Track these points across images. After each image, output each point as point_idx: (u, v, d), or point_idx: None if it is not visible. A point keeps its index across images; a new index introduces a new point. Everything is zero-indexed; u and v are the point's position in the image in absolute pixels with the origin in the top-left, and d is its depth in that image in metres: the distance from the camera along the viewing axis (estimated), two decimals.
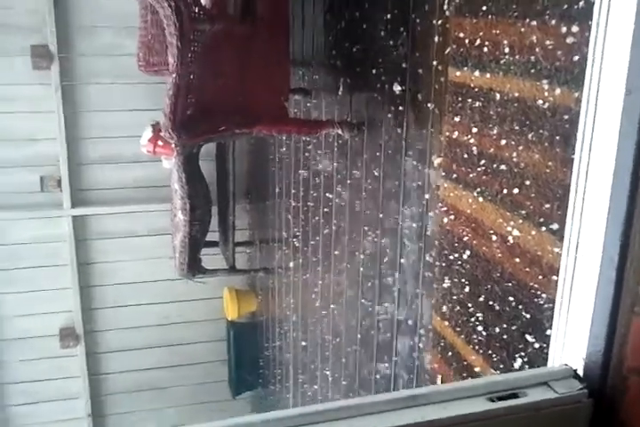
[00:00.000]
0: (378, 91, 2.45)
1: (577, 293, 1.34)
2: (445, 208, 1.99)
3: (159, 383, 5.27)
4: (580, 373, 1.30)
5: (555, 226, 1.51)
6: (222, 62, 2.53)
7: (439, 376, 2.11)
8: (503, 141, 1.68)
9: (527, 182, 1.60)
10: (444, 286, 2.01)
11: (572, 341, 1.36)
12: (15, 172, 4.61)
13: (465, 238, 1.89)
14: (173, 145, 2.69)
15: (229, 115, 2.59)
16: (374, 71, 2.46)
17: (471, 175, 1.83)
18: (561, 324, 1.39)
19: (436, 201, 2.05)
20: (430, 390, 1.32)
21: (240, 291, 4.85)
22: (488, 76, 1.72)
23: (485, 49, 1.72)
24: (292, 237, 3.67)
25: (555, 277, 1.50)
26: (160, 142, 3.67)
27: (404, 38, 2.23)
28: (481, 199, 1.79)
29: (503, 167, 1.69)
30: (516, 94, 1.62)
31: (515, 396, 1.26)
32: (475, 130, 1.80)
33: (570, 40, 1.42)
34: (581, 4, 1.38)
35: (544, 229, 1.55)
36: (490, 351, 1.81)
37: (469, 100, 1.81)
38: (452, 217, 1.95)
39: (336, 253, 3.03)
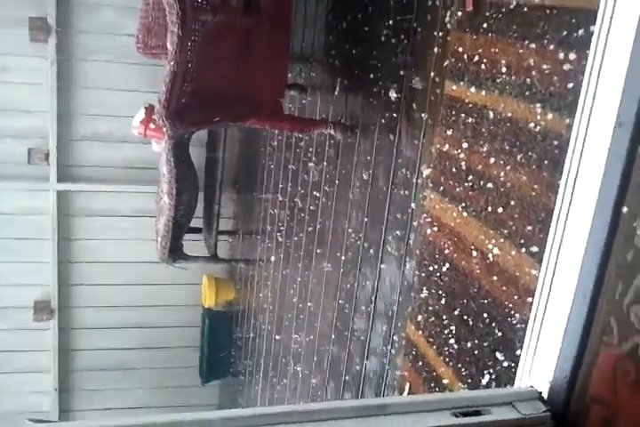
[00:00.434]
0: (374, 95, 2.45)
1: (549, 317, 1.36)
2: (430, 219, 2.00)
3: (129, 364, 5.27)
4: (545, 395, 1.32)
5: (534, 248, 1.53)
6: (222, 53, 2.52)
7: (407, 384, 2.13)
8: (492, 160, 1.69)
9: (512, 202, 1.62)
10: (422, 295, 2.03)
11: (540, 363, 1.38)
12: (3, 142, 4.58)
13: (446, 251, 1.90)
14: (165, 130, 2.69)
15: (224, 106, 2.58)
16: (372, 75, 2.47)
17: (458, 189, 1.84)
18: (531, 346, 1.42)
19: (422, 211, 2.07)
20: (398, 401, 1.34)
21: (219, 279, 4.86)
22: (483, 93, 1.73)
23: (483, 66, 1.73)
24: (275, 231, 3.67)
25: (529, 299, 1.52)
26: (152, 125, 3.65)
27: (404, 46, 2.23)
28: (465, 214, 1.81)
29: (490, 185, 1.70)
30: (509, 114, 1.63)
31: (479, 413, 1.28)
32: (465, 145, 1.81)
33: (566, 67, 1.44)
34: (580, 32, 1.39)
35: (524, 250, 1.57)
36: (460, 365, 1.83)
37: (463, 115, 1.82)
38: (436, 229, 1.96)
39: (318, 251, 3.04)
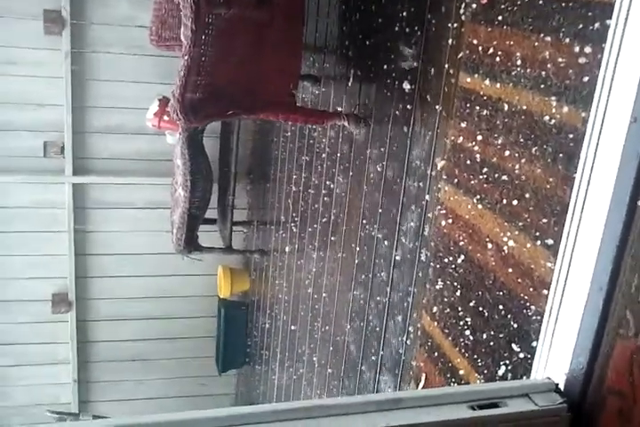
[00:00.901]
0: (387, 87, 2.45)
1: (565, 309, 1.37)
2: (444, 211, 2.01)
3: (147, 355, 5.32)
4: (562, 387, 1.33)
5: (550, 241, 1.53)
6: (235, 47, 2.53)
7: (423, 375, 2.14)
8: (507, 152, 1.70)
9: (527, 195, 1.62)
10: (437, 287, 2.04)
11: (556, 355, 1.39)
12: (19, 135, 4.61)
13: (461, 243, 1.91)
14: (179, 124, 2.70)
15: (238, 99, 2.59)
16: (385, 67, 2.47)
17: (472, 182, 1.85)
18: (547, 337, 1.42)
19: (436, 203, 2.07)
20: (414, 395, 1.36)
21: (234, 270, 4.88)
22: (498, 85, 1.73)
23: (498, 59, 1.73)
24: (290, 221, 3.69)
25: (545, 291, 1.53)
26: (165, 117, 3.67)
27: (417, 37, 2.23)
28: (480, 206, 1.81)
29: (505, 178, 1.71)
30: (524, 107, 1.63)
31: (495, 405, 1.29)
32: (480, 137, 1.81)
33: (582, 60, 1.43)
34: (597, 25, 1.39)
35: (539, 242, 1.57)
36: (475, 356, 1.84)
37: (477, 108, 1.82)
38: (450, 221, 1.97)
39: (332, 242, 3.05)
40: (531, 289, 1.61)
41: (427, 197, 2.16)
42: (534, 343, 1.56)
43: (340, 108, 2.94)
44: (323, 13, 3.13)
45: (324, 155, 3.14)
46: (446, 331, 1.99)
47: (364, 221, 2.68)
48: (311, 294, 3.35)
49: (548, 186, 1.55)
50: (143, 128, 3.87)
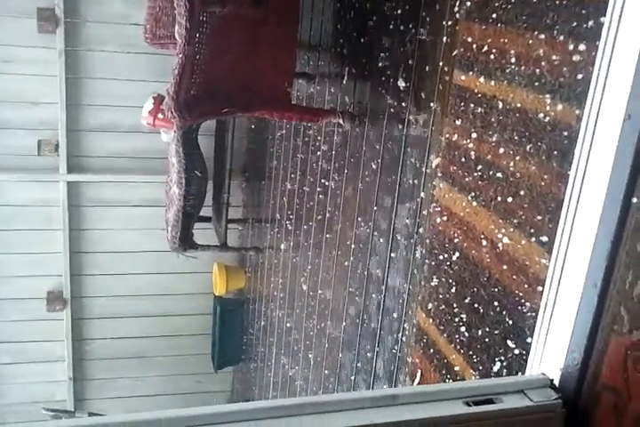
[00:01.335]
0: (382, 84, 2.46)
1: (560, 305, 1.37)
2: (439, 208, 2.01)
3: (142, 352, 5.33)
4: (557, 383, 1.34)
5: (544, 238, 1.54)
6: (230, 45, 2.53)
7: (419, 371, 2.15)
8: (501, 149, 1.70)
9: (521, 192, 1.63)
10: (432, 284, 2.05)
11: (551, 351, 1.39)
12: (13, 134, 4.60)
13: (456, 240, 1.92)
14: (174, 122, 2.70)
15: (233, 97, 2.59)
16: (380, 64, 2.47)
17: (467, 179, 1.86)
18: (542, 334, 1.43)
19: (431, 201, 2.08)
20: (409, 391, 1.36)
21: (229, 267, 4.89)
22: (493, 83, 1.74)
23: (492, 56, 1.74)
24: (285, 219, 3.69)
25: (540, 288, 1.54)
26: (160, 115, 3.67)
27: (412, 35, 2.23)
28: (475, 204, 1.82)
29: (499, 175, 1.71)
30: (519, 105, 1.64)
31: (491, 401, 1.30)
32: (474, 135, 1.82)
33: (576, 58, 1.44)
34: (590, 23, 1.39)
35: (534, 239, 1.58)
36: (471, 352, 1.85)
37: (472, 105, 1.83)
38: (445, 218, 1.98)
39: (327, 239, 3.06)
40: (525, 286, 1.62)
41: (422, 194, 2.17)
42: (529, 340, 1.57)
43: (334, 106, 2.94)
44: (317, 11, 3.13)
45: (318, 152, 3.14)
46: (441, 327, 2.00)
47: (359, 219, 2.69)
48: (306, 292, 3.36)
49: (543, 183, 1.55)
50: (138, 126, 3.87)
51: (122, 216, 4.96)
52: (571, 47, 1.45)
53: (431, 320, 2.07)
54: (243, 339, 4.99)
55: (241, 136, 4.57)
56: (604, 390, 1.25)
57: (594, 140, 1.28)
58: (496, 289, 1.74)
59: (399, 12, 2.32)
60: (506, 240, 1.69)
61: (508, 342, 1.68)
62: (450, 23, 1.99)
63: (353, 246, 2.76)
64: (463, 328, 1.88)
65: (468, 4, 1.85)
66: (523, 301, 1.63)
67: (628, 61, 1.20)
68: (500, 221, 1.71)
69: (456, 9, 1.94)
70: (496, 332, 1.74)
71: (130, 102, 4.46)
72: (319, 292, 3.19)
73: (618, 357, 1.22)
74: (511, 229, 1.67)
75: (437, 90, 2.07)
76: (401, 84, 2.31)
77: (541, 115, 1.55)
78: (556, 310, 1.38)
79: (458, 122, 1.91)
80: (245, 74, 2.59)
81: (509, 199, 1.68)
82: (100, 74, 4.60)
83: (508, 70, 1.68)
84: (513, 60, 1.65)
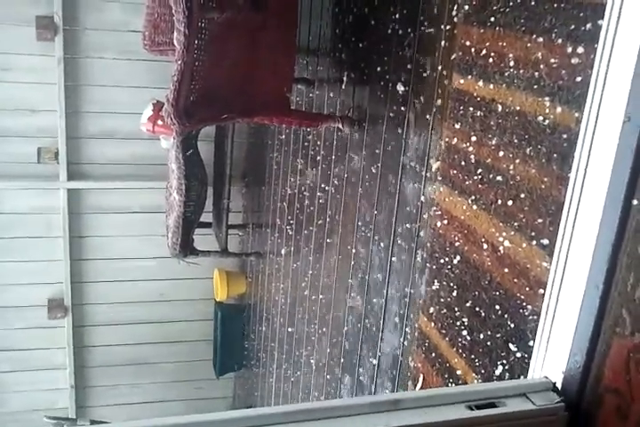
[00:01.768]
0: (381, 89, 2.46)
1: (561, 308, 1.37)
2: (440, 212, 2.01)
3: (143, 359, 5.32)
4: (559, 386, 1.34)
5: (545, 241, 1.54)
6: (228, 51, 2.53)
7: (421, 375, 2.15)
8: (501, 153, 1.71)
9: (522, 195, 1.63)
10: (433, 288, 2.05)
11: (553, 354, 1.39)
12: (13, 142, 4.60)
13: (456, 244, 1.92)
14: (174, 128, 2.70)
15: (232, 103, 2.60)
16: (379, 69, 2.48)
17: (467, 183, 1.86)
18: (544, 337, 1.43)
19: (431, 204, 2.08)
20: (412, 396, 1.36)
21: (230, 273, 4.88)
22: (491, 86, 1.74)
23: (491, 60, 1.74)
24: (285, 224, 3.69)
25: (541, 291, 1.54)
26: (160, 122, 3.66)
27: (410, 39, 2.24)
28: (475, 207, 1.82)
29: (499, 178, 1.71)
30: (518, 108, 1.64)
31: (493, 405, 1.30)
32: (474, 138, 1.82)
33: (574, 60, 1.44)
34: (589, 26, 1.40)
35: (534, 242, 1.58)
36: (473, 356, 1.85)
37: (471, 109, 1.83)
38: (446, 222, 1.98)
39: (328, 244, 3.06)
40: (527, 289, 1.61)
41: (422, 198, 2.17)
42: (531, 343, 1.57)
43: (334, 111, 2.94)
44: (316, 16, 3.13)
45: (318, 157, 3.14)
46: (443, 331, 2.00)
47: (360, 223, 2.69)
48: (308, 297, 3.36)
49: (543, 186, 1.55)
50: (137, 133, 3.86)
51: (122, 223, 4.96)
52: (569, 50, 1.46)
53: (433, 324, 2.06)
54: (244, 344, 4.98)
55: (240, 142, 4.57)
56: (607, 393, 1.25)
57: (593, 143, 1.28)
58: (497, 292, 1.73)
59: (397, 16, 2.33)
60: (507, 243, 1.69)
61: (510, 345, 1.68)
62: (448, 27, 1.99)
63: (354, 251, 2.76)
64: (465, 332, 1.88)
65: (466, 7, 1.86)
66: (524, 304, 1.63)
67: (626, 63, 1.20)
68: (501, 224, 1.71)
69: (454, 13, 1.95)
70: (498, 335, 1.74)
71: (129, 109, 4.46)
72: (320, 296, 3.18)
73: (620, 359, 1.22)
74: (512, 233, 1.67)
75: (436, 94, 2.07)
76: (400, 88, 2.31)
77: (541, 118, 1.55)
78: (558, 313, 1.38)
79: (457, 125, 1.91)
80: (244, 79, 2.60)
81: (510, 202, 1.68)
82: (99, 81, 4.60)
83: (506, 73, 1.68)
84: (511, 63, 1.66)
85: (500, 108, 1.71)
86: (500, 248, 1.71)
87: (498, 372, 1.73)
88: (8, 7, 4.29)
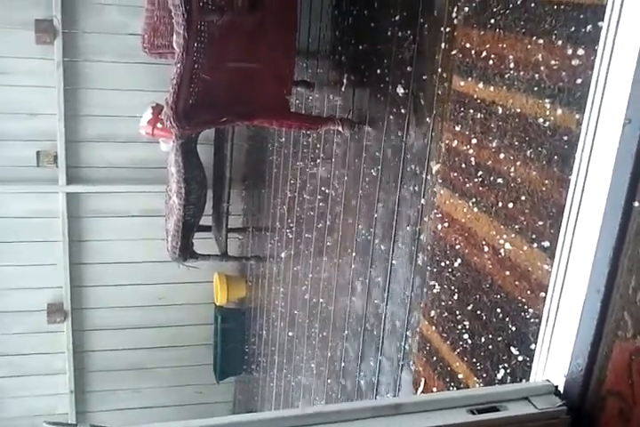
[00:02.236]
0: (381, 91, 2.46)
1: (563, 311, 1.36)
2: (440, 215, 2.01)
3: (144, 363, 5.30)
4: (561, 389, 1.33)
5: (546, 243, 1.53)
6: (228, 54, 2.53)
7: (422, 379, 2.14)
8: (502, 155, 1.70)
9: (522, 198, 1.62)
10: (434, 291, 2.04)
11: (555, 357, 1.38)
12: (12, 145, 4.60)
13: (457, 247, 1.91)
14: (173, 132, 2.70)
15: (231, 106, 2.59)
16: (379, 71, 2.47)
17: (468, 185, 1.85)
18: (545, 340, 1.42)
19: (432, 207, 2.07)
20: (413, 400, 1.35)
21: (230, 277, 4.88)
22: (492, 89, 1.73)
23: (491, 62, 1.73)
24: (285, 227, 3.69)
25: (543, 294, 1.53)
26: (159, 125, 3.66)
27: (410, 41, 2.23)
28: (476, 210, 1.81)
29: (500, 181, 1.71)
30: (518, 110, 1.63)
31: (495, 409, 1.29)
32: (474, 141, 1.81)
33: (575, 62, 1.44)
34: (589, 27, 1.39)
35: (536, 245, 1.57)
36: (474, 359, 1.84)
37: (471, 111, 1.83)
38: (446, 224, 1.97)
39: (328, 247, 3.05)
40: (528, 292, 1.61)
41: (422, 200, 2.16)
42: (533, 346, 1.56)
43: (333, 114, 2.94)
44: (315, 18, 3.13)
45: (318, 160, 3.14)
46: (444, 335, 1.99)
47: (360, 226, 2.68)
48: (308, 300, 3.35)
49: (544, 188, 1.55)
50: (137, 136, 3.86)
51: (121, 227, 4.95)
52: (569, 52, 1.45)
53: (434, 328, 2.05)
54: (244, 349, 4.97)
55: (240, 145, 4.57)
56: (609, 396, 1.24)
57: (594, 145, 1.27)
58: (498, 296, 1.72)
59: (397, 18, 2.32)
60: (507, 246, 1.68)
61: (512, 348, 1.67)
62: (448, 29, 1.99)
63: (354, 254, 2.75)
64: (466, 335, 1.87)
65: (466, 9, 1.85)
66: (525, 307, 1.62)
67: (627, 65, 1.20)
68: (502, 226, 1.70)
69: (454, 15, 1.94)
70: (499, 339, 1.73)
71: (128, 112, 4.46)
72: (321, 300, 3.17)
73: (622, 362, 1.21)
74: (513, 235, 1.66)
75: (436, 96, 2.07)
76: (400, 90, 2.31)
77: (541, 120, 1.55)
78: (560, 316, 1.37)
79: (457, 128, 1.90)
80: (244, 82, 2.59)
81: (510, 205, 1.67)
82: (98, 84, 4.60)
83: (507, 75, 1.67)
84: (512, 65, 1.65)
85: (500, 110, 1.70)
86: (501, 251, 1.71)
87: (499, 375, 1.72)
88: (7, 10, 4.29)
